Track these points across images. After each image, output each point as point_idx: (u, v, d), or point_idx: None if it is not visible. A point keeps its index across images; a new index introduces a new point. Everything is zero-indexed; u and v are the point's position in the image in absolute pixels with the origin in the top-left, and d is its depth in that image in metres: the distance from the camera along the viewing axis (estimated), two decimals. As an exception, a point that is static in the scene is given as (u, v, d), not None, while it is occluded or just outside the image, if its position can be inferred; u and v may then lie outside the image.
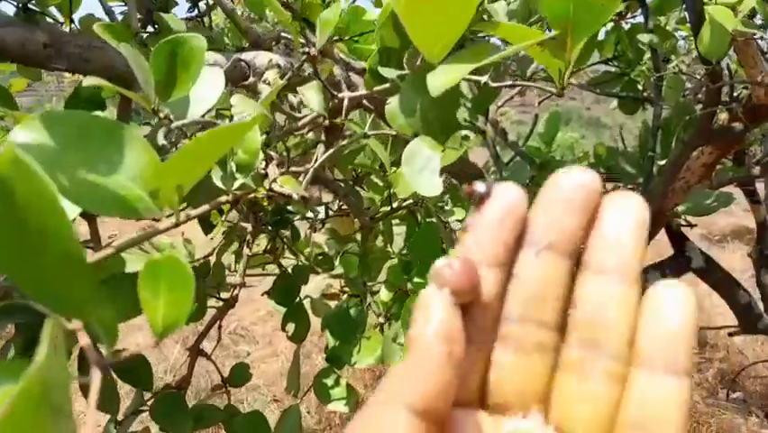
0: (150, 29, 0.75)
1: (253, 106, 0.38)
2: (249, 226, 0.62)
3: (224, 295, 0.69)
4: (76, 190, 0.31)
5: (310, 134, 0.78)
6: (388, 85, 0.40)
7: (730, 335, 1.72)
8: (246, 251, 0.65)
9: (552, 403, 0.22)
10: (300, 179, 0.45)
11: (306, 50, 0.39)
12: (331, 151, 0.57)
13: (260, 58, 0.57)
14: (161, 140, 0.34)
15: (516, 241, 0.22)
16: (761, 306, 1.72)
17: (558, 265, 0.21)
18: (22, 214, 0.20)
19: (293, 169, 0.53)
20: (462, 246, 0.22)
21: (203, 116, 0.39)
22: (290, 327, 0.82)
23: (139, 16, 0.70)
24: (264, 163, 0.45)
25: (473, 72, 0.34)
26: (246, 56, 0.58)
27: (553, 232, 0.21)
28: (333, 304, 0.98)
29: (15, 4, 0.82)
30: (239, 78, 0.56)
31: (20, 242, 0.20)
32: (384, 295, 0.72)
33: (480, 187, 0.22)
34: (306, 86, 0.41)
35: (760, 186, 1.84)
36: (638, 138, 1.43)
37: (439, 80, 0.30)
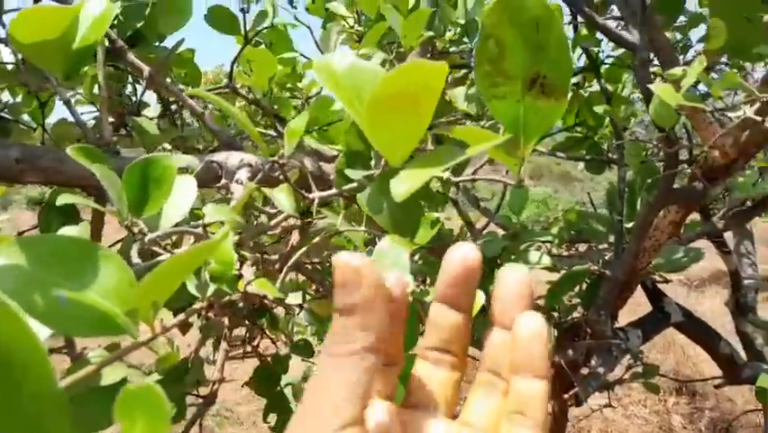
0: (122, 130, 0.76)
1: (225, 214, 0.39)
2: (225, 320, 0.62)
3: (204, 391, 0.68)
4: (50, 311, 0.32)
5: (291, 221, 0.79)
6: (355, 184, 0.42)
7: (716, 387, 1.72)
8: (224, 345, 0.65)
9: (464, 406, 0.31)
10: (278, 276, 0.46)
11: (275, 158, 0.41)
12: (301, 248, 0.58)
13: (232, 158, 0.59)
14: (135, 258, 0.35)
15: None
16: (743, 354, 1.74)
17: (459, 318, 0.31)
18: (2, 355, 0.20)
19: (269, 257, 0.54)
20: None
21: (176, 225, 0.40)
22: (272, 417, 0.80)
23: (111, 119, 0.72)
24: (239, 264, 0.46)
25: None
26: (218, 156, 0.59)
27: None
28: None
29: (-12, 112, 0.84)
30: (212, 180, 0.57)
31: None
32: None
33: None
34: (276, 189, 0.42)
35: (729, 237, 1.88)
36: (606, 197, 1.48)
37: (402, 187, 0.31)
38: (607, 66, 1.37)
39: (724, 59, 1.32)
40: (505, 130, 0.35)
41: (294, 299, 0.81)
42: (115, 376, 0.43)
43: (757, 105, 0.67)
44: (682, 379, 2.65)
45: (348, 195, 0.41)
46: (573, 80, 1.39)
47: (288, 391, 0.85)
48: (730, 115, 0.79)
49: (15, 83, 0.72)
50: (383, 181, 0.37)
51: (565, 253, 1.50)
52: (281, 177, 0.48)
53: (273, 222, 0.45)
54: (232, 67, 0.69)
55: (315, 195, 0.42)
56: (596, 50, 1.27)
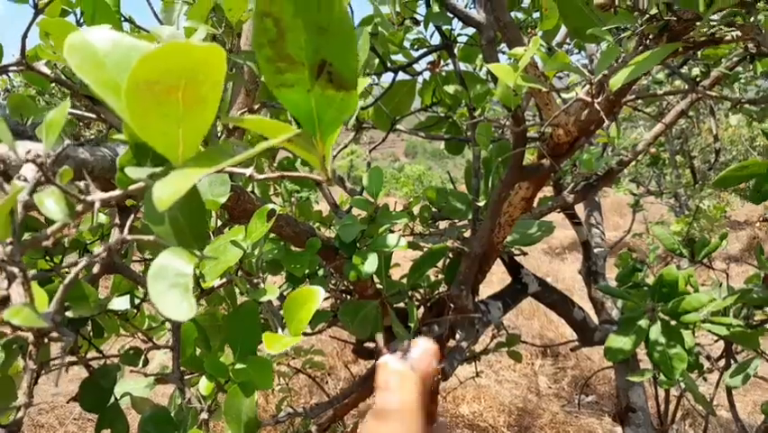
0: None
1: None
2: (30, 336, 0.53)
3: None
4: None
5: (104, 218, 0.71)
6: (143, 184, 0.36)
7: (572, 350, 1.84)
8: (30, 364, 0.56)
9: None
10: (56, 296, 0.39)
11: (31, 158, 0.34)
12: (117, 238, 0.51)
13: (17, 150, 0.50)
14: None
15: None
16: (595, 318, 1.86)
17: None
18: None
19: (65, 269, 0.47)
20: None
21: None
22: (105, 434, 0.73)
23: None
24: (6, 283, 0.38)
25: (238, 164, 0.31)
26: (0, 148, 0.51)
27: None
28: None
29: None
30: (-10, 176, 0.48)
31: None
32: (204, 387, 0.66)
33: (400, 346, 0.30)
34: (42, 193, 0.35)
35: (580, 209, 2.00)
36: (464, 175, 1.50)
37: (165, 192, 0.26)
38: (461, 45, 1.38)
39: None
40: (298, 123, 0.30)
41: (122, 303, 0.73)
42: None
43: (587, 86, 0.68)
44: (544, 344, 2.82)
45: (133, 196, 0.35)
46: (429, 58, 1.39)
47: (125, 401, 0.78)
48: (564, 95, 0.81)
49: None
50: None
51: (429, 231, 1.51)
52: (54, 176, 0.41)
53: (49, 231, 0.38)
54: (23, 40, 0.59)
55: (95, 197, 0.36)
56: (449, 28, 1.27)
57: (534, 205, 1.49)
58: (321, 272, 1.26)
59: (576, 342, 1.82)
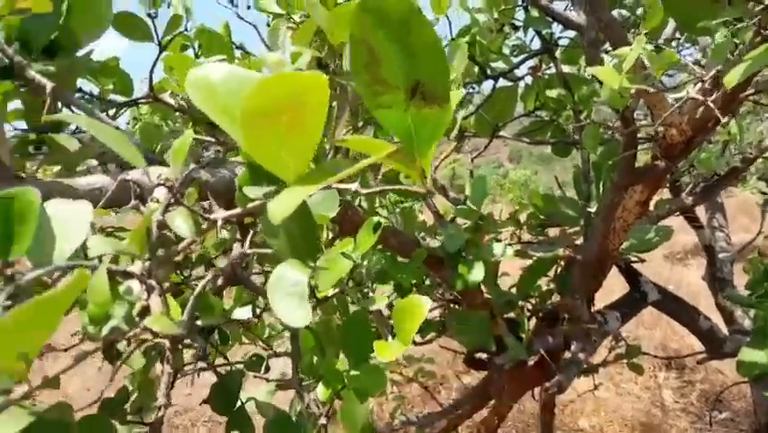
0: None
1: (113, 245, 0.36)
2: (167, 342, 0.59)
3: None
4: None
5: (226, 234, 0.76)
6: (260, 202, 0.39)
7: (698, 363, 1.72)
8: (167, 368, 0.62)
9: None
10: (186, 309, 0.43)
11: (161, 181, 0.38)
12: (238, 252, 0.55)
13: (149, 175, 0.56)
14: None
15: None
16: (723, 328, 1.73)
17: None
18: None
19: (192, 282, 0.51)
20: None
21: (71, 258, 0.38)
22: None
23: (32, 137, 0.70)
24: (146, 295, 0.43)
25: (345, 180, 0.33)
26: (135, 174, 0.56)
27: None
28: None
29: None
30: (129, 200, 0.54)
31: None
32: (321, 393, 0.69)
33: None
34: (172, 213, 0.39)
35: (701, 211, 1.88)
36: (573, 179, 1.46)
37: (280, 206, 0.29)
38: (563, 48, 1.35)
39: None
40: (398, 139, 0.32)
41: (244, 313, 0.79)
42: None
43: (699, 84, 0.65)
44: (667, 356, 2.65)
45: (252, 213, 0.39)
46: (530, 63, 1.37)
47: (249, 406, 0.83)
48: (672, 95, 0.77)
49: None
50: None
51: (537, 239, 1.48)
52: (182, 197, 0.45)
53: (179, 247, 0.42)
54: (151, 75, 0.66)
55: (218, 216, 0.40)
56: (548, 31, 1.25)
57: (651, 208, 1.42)
58: (428, 282, 1.27)
59: (704, 353, 1.70)
